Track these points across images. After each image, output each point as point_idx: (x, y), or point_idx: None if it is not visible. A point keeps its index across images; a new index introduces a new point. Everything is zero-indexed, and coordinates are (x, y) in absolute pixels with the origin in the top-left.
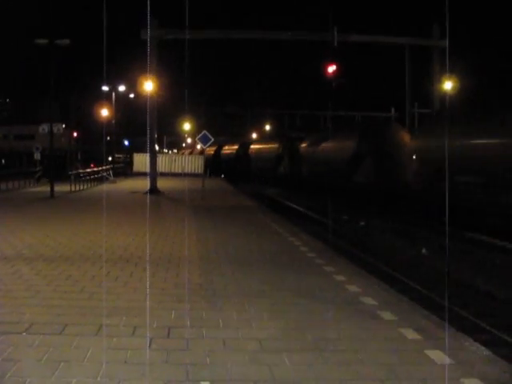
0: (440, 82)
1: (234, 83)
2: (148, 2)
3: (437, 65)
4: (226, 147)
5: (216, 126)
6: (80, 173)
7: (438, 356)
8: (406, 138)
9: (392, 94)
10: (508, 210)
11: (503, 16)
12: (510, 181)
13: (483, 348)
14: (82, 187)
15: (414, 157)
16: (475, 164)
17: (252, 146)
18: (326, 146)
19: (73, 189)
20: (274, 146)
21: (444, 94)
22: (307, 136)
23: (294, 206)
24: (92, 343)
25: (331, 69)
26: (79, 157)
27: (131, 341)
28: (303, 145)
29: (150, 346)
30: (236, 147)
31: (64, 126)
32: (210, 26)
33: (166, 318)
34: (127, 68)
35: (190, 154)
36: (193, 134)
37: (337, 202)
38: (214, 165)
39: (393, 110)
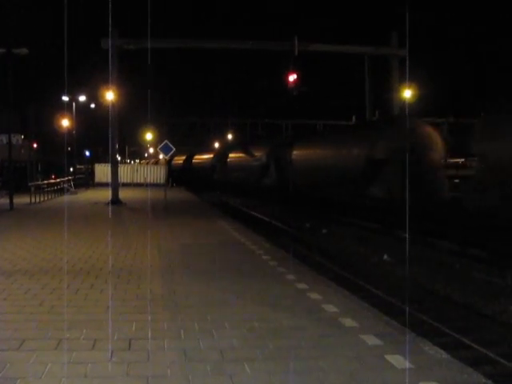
0: (399, 89)
1: (195, 92)
2: (110, 13)
3: (396, 73)
4: (197, 156)
5: (178, 135)
6: (40, 184)
7: (398, 361)
8: (437, 137)
9: (353, 102)
10: None
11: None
12: None
13: (442, 351)
14: (42, 199)
15: (475, 164)
16: None
17: (194, 157)
18: (325, 151)
19: (33, 200)
20: (257, 153)
21: (403, 102)
22: (296, 140)
23: (257, 214)
24: (51, 358)
25: (292, 78)
26: (39, 168)
27: (91, 354)
28: (294, 152)
29: (110, 358)
30: (210, 156)
31: (23, 136)
32: (171, 36)
33: (127, 330)
34: (88, 78)
35: (156, 163)
36: (155, 144)
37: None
38: (182, 175)
39: (354, 117)
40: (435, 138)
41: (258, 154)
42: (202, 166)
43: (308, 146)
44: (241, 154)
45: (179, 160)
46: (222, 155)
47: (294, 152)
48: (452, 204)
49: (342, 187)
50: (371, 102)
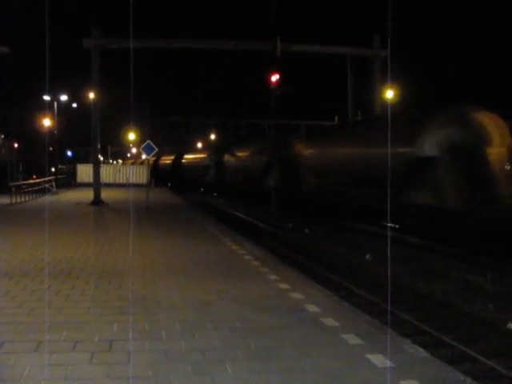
0: (381, 90)
1: (178, 92)
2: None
3: (378, 73)
4: (164, 157)
5: (161, 135)
6: (21, 184)
7: (379, 360)
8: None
9: (335, 102)
10: None
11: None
12: None
13: (422, 350)
14: (23, 199)
15: None
16: None
17: (185, 156)
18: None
19: (13, 201)
20: (202, 155)
21: (385, 102)
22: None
23: (240, 214)
24: (30, 360)
25: (274, 78)
26: (20, 168)
27: (72, 356)
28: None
29: (91, 360)
30: (203, 155)
31: (4, 136)
32: (153, 36)
33: (108, 332)
34: (70, 77)
35: (141, 163)
36: (137, 144)
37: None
38: (157, 175)
39: (336, 118)
40: (501, 130)
41: (203, 156)
42: (194, 166)
43: (322, 142)
44: (191, 156)
45: (167, 160)
46: (218, 154)
47: (307, 151)
48: None
49: (371, 191)
50: (353, 102)
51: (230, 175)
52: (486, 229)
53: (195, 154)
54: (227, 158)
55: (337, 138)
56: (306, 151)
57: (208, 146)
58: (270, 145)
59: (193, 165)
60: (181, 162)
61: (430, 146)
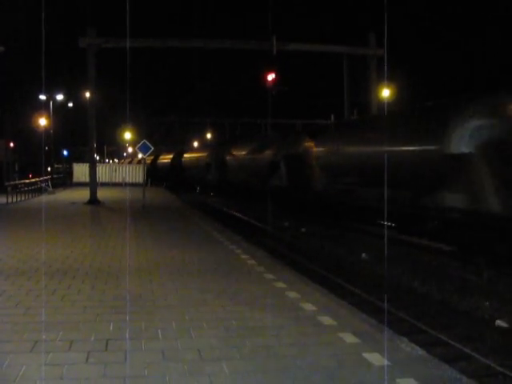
0: (377, 89)
1: (174, 92)
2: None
3: (374, 72)
4: (162, 156)
5: (157, 134)
6: (17, 184)
7: (375, 358)
8: None
9: (331, 100)
10: None
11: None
12: None
13: (418, 348)
14: (19, 199)
15: None
16: None
17: (185, 155)
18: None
19: (9, 200)
20: (203, 154)
21: (381, 101)
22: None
23: (236, 213)
24: (26, 360)
25: (270, 77)
26: (16, 167)
27: (68, 356)
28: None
29: (87, 360)
30: (203, 154)
31: None
32: (150, 36)
33: (105, 331)
34: (66, 77)
35: (139, 162)
36: (134, 143)
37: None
38: (154, 174)
39: (332, 116)
40: None
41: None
42: (195, 165)
43: (334, 139)
44: (191, 155)
45: (165, 159)
46: (219, 152)
47: (317, 149)
48: None
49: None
50: (349, 100)
51: (232, 174)
52: None
53: (194, 153)
54: (229, 156)
55: (351, 135)
56: (317, 149)
57: (205, 144)
58: (275, 142)
59: (192, 164)
60: (179, 162)
61: (459, 141)
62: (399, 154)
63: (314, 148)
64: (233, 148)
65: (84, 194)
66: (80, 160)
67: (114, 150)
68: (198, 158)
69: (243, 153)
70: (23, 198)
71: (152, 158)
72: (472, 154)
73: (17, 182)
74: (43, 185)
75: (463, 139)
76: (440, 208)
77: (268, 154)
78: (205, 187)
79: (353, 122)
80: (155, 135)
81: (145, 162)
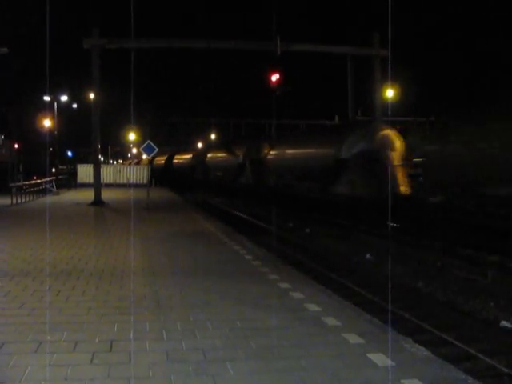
0: (382, 89)
1: (178, 92)
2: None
3: (378, 73)
4: (177, 156)
5: (161, 135)
6: (22, 185)
7: (380, 359)
8: None
9: (336, 101)
10: None
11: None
12: None
13: (423, 348)
14: (24, 200)
15: None
16: None
17: (209, 155)
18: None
19: (14, 201)
20: (189, 156)
21: (386, 102)
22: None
23: (239, 213)
24: (31, 361)
25: (275, 77)
26: (21, 169)
27: (72, 356)
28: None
29: (91, 360)
30: (189, 156)
31: (4, 136)
32: (154, 36)
33: (109, 332)
34: (70, 78)
35: (138, 163)
36: (138, 144)
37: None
38: (164, 175)
39: (336, 117)
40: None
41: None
42: (183, 166)
43: (280, 147)
44: (218, 154)
45: (160, 160)
46: (201, 155)
47: (271, 154)
48: None
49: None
50: (353, 101)
51: (211, 174)
52: (381, 209)
53: (184, 154)
54: (208, 159)
55: (289, 144)
56: (271, 154)
57: (192, 149)
58: (243, 148)
59: (181, 165)
60: (201, 162)
61: (345, 150)
62: (315, 157)
63: (270, 153)
64: (209, 153)
65: (88, 195)
66: (84, 161)
67: (119, 150)
68: (185, 160)
69: (217, 156)
70: (28, 199)
71: (165, 158)
72: (351, 158)
73: (21, 183)
74: (47, 186)
75: (347, 149)
76: (337, 193)
77: (237, 157)
78: (192, 186)
79: (293, 134)
80: (159, 136)
81: (153, 163)
